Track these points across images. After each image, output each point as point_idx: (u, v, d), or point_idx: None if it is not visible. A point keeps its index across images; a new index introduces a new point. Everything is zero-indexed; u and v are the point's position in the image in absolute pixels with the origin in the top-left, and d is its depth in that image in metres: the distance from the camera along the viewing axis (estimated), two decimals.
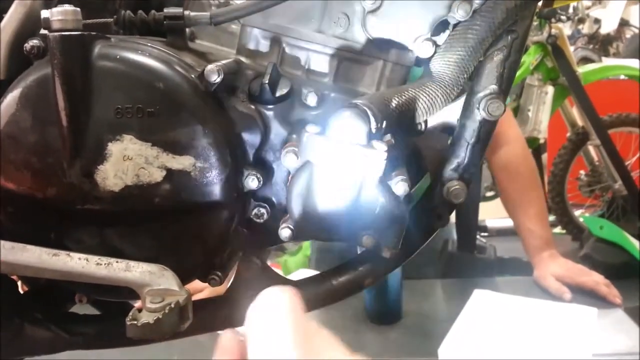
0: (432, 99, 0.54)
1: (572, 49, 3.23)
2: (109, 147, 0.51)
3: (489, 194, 3.02)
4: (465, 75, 0.56)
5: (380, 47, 0.57)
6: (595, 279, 1.34)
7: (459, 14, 0.54)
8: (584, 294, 1.33)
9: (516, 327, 1.15)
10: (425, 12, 0.55)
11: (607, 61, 4.03)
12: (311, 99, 0.56)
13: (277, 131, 0.56)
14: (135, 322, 0.44)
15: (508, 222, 3.12)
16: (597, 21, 5.18)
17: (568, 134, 2.95)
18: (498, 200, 3.02)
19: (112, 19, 0.59)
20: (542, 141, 3.17)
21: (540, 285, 1.40)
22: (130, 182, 0.51)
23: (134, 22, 0.59)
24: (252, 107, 0.55)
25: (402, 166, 0.53)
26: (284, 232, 0.53)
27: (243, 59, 0.59)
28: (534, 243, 1.49)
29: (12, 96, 0.52)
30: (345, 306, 1.38)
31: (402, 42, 0.56)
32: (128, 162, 0.51)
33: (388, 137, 0.52)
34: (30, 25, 0.56)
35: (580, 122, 2.86)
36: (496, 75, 0.55)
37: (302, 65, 0.59)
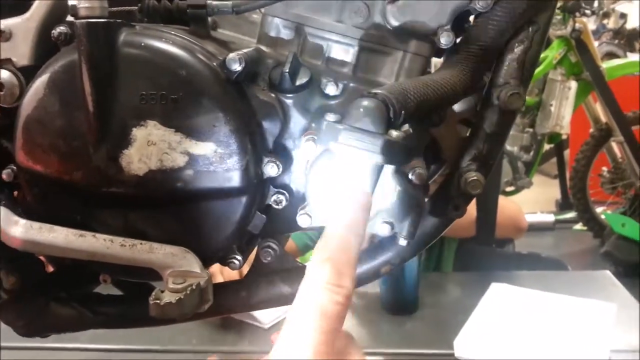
0: (451, 89, 0.54)
1: (596, 43, 3.18)
2: (133, 132, 0.52)
3: (509, 189, 3.01)
4: (485, 66, 0.57)
5: (400, 37, 0.57)
6: None
7: (479, 4, 0.54)
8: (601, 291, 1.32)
9: (533, 321, 1.15)
10: (446, 3, 0.55)
11: (632, 57, 3.96)
12: (330, 89, 0.57)
13: (297, 119, 0.57)
14: (158, 302, 0.46)
15: (527, 218, 3.11)
16: (622, 16, 5.08)
17: (591, 130, 2.92)
18: (518, 195, 3.00)
19: (136, 7, 0.60)
20: (564, 137, 3.13)
21: None
22: (154, 166, 0.53)
23: (158, 10, 0.60)
24: (273, 95, 0.56)
25: (419, 156, 0.54)
26: (302, 219, 0.54)
27: (264, 48, 0.59)
28: None
29: (41, 81, 0.53)
30: (361, 296, 1.39)
31: (422, 33, 0.57)
32: (152, 147, 0.52)
33: (406, 126, 0.53)
34: (58, 12, 0.58)
35: (603, 118, 2.82)
36: (516, 67, 0.56)
37: (322, 55, 0.59)
